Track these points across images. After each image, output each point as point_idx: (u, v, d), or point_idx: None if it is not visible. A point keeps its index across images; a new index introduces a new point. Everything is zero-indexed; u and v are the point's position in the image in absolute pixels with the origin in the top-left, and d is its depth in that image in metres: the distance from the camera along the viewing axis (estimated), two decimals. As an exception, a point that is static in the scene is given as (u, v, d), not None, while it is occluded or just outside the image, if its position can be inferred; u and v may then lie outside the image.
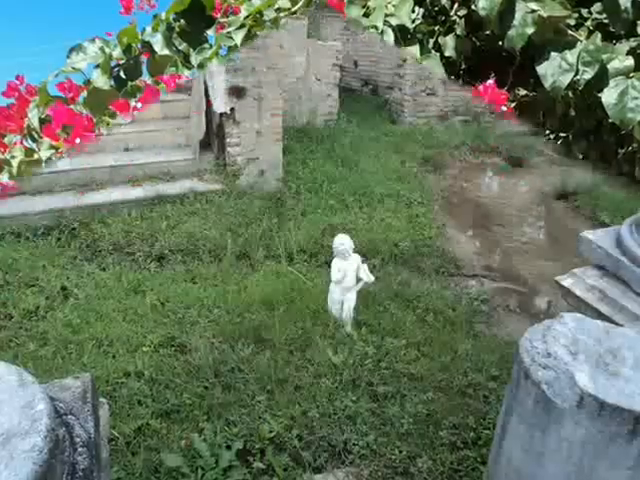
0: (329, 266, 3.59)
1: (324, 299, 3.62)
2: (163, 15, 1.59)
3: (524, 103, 1.90)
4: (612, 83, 1.38)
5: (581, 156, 2.06)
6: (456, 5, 1.76)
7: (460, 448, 2.65)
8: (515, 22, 1.43)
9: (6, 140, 1.60)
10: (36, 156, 1.57)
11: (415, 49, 1.57)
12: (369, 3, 1.56)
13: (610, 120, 1.40)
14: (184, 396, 2.88)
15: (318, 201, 5.66)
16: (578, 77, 1.42)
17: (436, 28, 1.77)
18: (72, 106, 1.59)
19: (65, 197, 5.09)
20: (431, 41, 1.73)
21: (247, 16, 1.53)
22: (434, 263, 4.71)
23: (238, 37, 1.52)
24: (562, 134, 2.07)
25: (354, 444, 2.65)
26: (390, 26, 1.53)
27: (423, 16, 1.78)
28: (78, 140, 1.55)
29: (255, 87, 5.52)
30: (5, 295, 3.80)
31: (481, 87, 1.62)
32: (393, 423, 2.78)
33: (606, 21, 1.59)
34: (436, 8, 1.82)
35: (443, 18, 1.80)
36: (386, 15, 1.53)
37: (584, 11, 1.66)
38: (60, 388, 1.69)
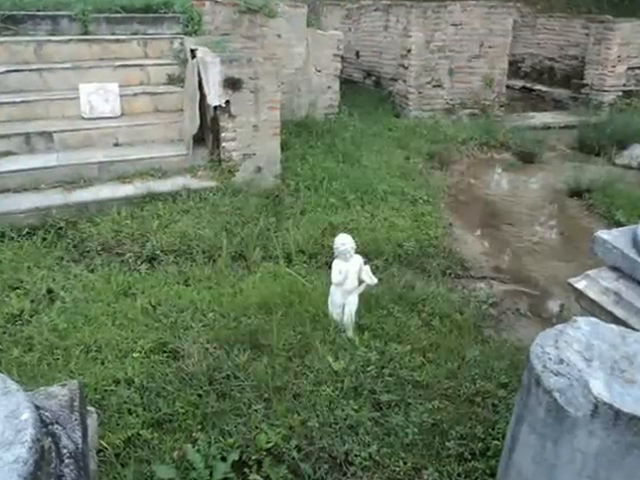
0: (329, 267, 3.59)
1: (324, 302, 3.62)
2: None
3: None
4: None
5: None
6: None
7: (468, 459, 2.65)
8: None
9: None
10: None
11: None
12: None
13: None
14: (177, 405, 2.88)
15: (318, 199, 5.66)
16: None
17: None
18: None
19: (51, 195, 5.08)
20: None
21: None
22: (440, 264, 4.71)
23: None
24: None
25: (356, 455, 2.64)
26: None
27: None
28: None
29: (252, 79, 5.52)
30: (-12, 298, 3.80)
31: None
32: (397, 433, 2.78)
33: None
34: None
35: None
36: None
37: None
38: (46, 396, 1.69)
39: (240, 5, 7.30)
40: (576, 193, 6.64)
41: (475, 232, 5.79)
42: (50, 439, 1.45)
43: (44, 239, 4.57)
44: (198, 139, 5.90)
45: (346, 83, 9.55)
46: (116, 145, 5.84)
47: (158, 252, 4.48)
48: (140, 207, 5.08)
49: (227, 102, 5.50)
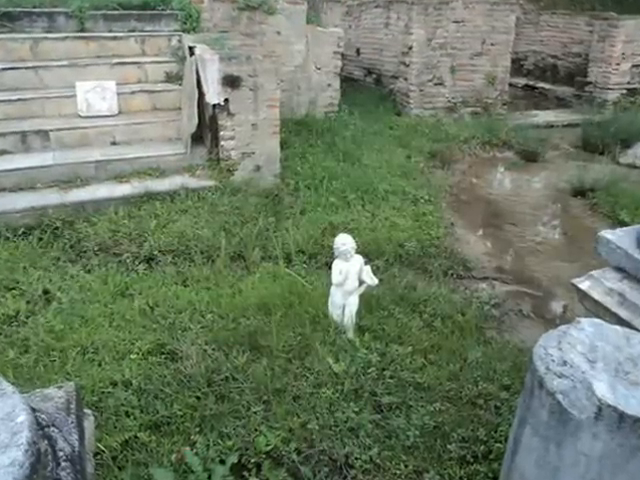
0: (330, 268, 3.59)
1: (324, 303, 3.62)
2: None
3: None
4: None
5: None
6: None
7: (470, 462, 2.65)
8: None
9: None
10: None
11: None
12: None
13: None
14: (175, 407, 2.88)
15: (318, 198, 5.66)
16: None
17: None
18: None
19: (48, 194, 5.08)
20: None
21: None
22: (442, 265, 4.71)
23: None
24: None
25: (356, 458, 2.64)
26: None
27: None
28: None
29: (251, 76, 5.52)
30: (-17, 299, 3.79)
31: None
32: (398, 436, 2.78)
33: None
34: None
35: None
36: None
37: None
38: (42, 398, 1.69)
39: (239, 2, 7.29)
40: (580, 192, 6.63)
41: (477, 232, 5.79)
42: (46, 442, 1.44)
43: (40, 239, 4.57)
44: (196, 138, 5.90)
45: (346, 81, 9.55)
46: (113, 144, 5.84)
47: (156, 252, 4.48)
48: (138, 207, 5.08)
49: (226, 100, 5.50)
